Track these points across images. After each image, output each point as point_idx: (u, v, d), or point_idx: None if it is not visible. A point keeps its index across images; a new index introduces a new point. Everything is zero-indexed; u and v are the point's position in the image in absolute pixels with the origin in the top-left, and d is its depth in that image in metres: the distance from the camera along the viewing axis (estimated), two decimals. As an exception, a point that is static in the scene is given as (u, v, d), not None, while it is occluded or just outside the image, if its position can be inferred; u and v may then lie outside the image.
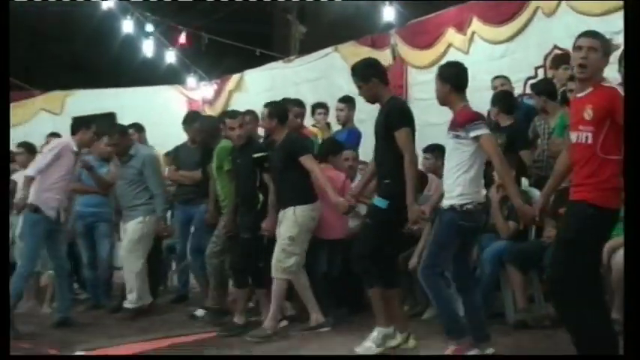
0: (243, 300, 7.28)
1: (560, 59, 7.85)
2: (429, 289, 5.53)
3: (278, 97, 9.64)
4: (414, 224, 5.97)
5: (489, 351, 5.42)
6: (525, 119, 7.62)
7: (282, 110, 7.12)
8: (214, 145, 7.69)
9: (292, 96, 9.21)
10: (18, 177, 9.15)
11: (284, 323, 7.01)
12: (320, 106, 9.24)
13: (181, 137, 8.93)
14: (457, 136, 5.38)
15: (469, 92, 9.32)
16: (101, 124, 8.60)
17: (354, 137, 8.69)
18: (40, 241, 7.55)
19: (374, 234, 5.92)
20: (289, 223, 6.72)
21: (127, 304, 8.14)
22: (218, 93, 13.30)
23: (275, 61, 12.71)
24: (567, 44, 8.07)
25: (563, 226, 4.87)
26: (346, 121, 8.78)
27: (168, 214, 9.10)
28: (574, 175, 4.74)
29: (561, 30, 8.26)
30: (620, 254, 5.68)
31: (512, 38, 8.77)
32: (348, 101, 8.84)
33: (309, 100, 9.12)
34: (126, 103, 12.31)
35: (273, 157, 6.98)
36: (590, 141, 4.50)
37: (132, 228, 8.11)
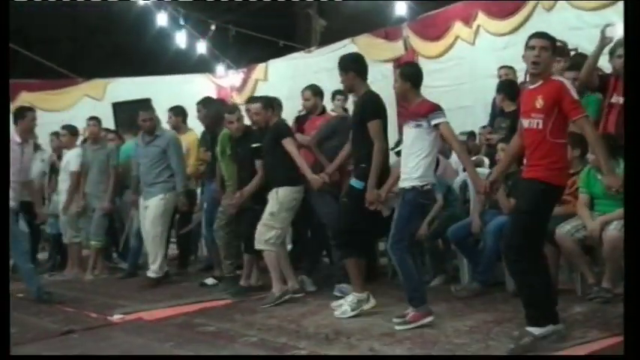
0: (250, 264, 7.46)
1: (557, 51, 7.76)
2: (396, 262, 5.74)
3: (299, 85, 9.65)
4: (370, 205, 6.03)
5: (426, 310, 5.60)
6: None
7: (273, 101, 7.40)
8: (218, 130, 7.83)
9: (312, 82, 9.23)
10: (65, 154, 9.33)
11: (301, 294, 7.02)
12: (339, 93, 9.21)
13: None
14: (419, 125, 5.61)
15: (475, 79, 9.33)
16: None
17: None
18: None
19: (351, 211, 6.20)
20: (272, 202, 6.95)
21: (150, 274, 8.29)
22: (245, 81, 13.30)
23: (297, 52, 12.69)
24: (565, 37, 8.03)
25: (518, 200, 5.17)
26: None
27: (199, 190, 9.15)
28: (527, 156, 5.03)
29: (559, 23, 8.21)
30: (611, 228, 5.65)
31: (514, 31, 8.72)
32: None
33: (327, 88, 9.08)
34: (161, 90, 12.30)
35: (263, 143, 7.18)
36: (541, 127, 4.79)
37: (154, 204, 8.21)
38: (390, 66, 10.37)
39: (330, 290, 6.92)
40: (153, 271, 8.25)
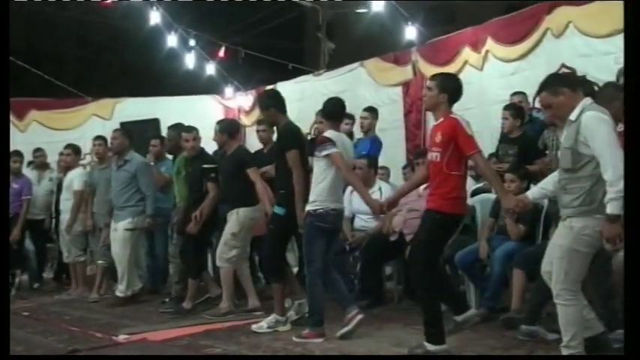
0: (193, 287, 7.75)
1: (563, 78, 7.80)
2: (307, 283, 6.22)
3: (308, 107, 9.70)
4: (301, 228, 6.34)
5: (355, 310, 6.13)
6: (540, 131, 7.55)
7: (232, 126, 7.74)
8: (180, 153, 8.20)
9: (320, 106, 9.27)
10: (69, 173, 9.36)
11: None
12: (346, 117, 9.23)
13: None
14: (316, 155, 6.20)
15: (483, 105, 9.34)
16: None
17: (377, 145, 8.73)
18: None
19: (278, 237, 6.63)
20: (233, 222, 7.35)
21: (118, 293, 8.49)
22: (254, 103, 13.33)
23: (305, 75, 12.71)
24: (574, 63, 8.08)
25: (418, 230, 5.52)
26: (369, 129, 8.80)
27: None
28: (429, 187, 5.52)
29: (569, 50, 8.22)
30: (620, 256, 5.62)
31: (523, 57, 8.72)
32: (371, 111, 8.94)
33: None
34: (169, 111, 12.32)
35: (223, 166, 7.53)
36: (438, 159, 5.25)
37: (123, 227, 8.41)
38: (398, 90, 10.40)
39: (335, 314, 6.91)
40: (120, 290, 8.48)
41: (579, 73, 7.88)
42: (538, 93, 4.91)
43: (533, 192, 5.20)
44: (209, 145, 8.41)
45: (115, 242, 8.51)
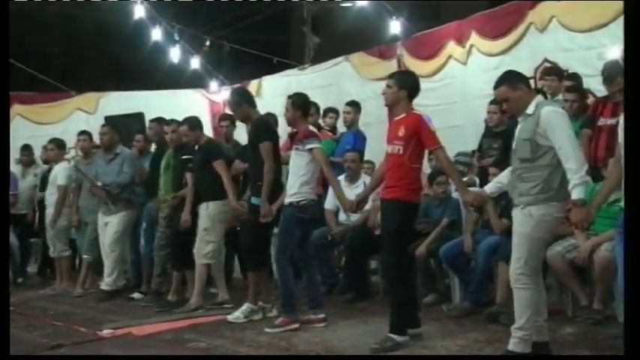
0: (177, 280, 7.82)
1: (549, 71, 7.82)
2: (278, 271, 6.47)
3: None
4: (263, 219, 6.55)
5: (322, 315, 6.38)
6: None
7: (199, 122, 7.76)
8: (165, 147, 8.29)
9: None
10: (54, 168, 9.32)
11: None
12: (331, 111, 9.26)
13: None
14: (297, 148, 6.40)
15: (466, 99, 9.35)
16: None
17: (361, 139, 8.74)
18: None
19: (255, 228, 6.71)
20: (204, 217, 7.45)
21: (103, 286, 8.52)
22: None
23: (290, 69, 12.67)
24: (557, 58, 8.10)
25: (384, 221, 5.79)
26: (352, 124, 8.79)
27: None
28: (388, 178, 5.68)
29: (551, 44, 8.24)
30: (602, 249, 5.66)
31: (507, 51, 8.72)
32: (354, 105, 8.95)
33: (321, 105, 9.13)
34: (154, 105, 12.26)
35: (194, 160, 7.62)
36: (401, 152, 5.51)
37: (115, 221, 8.46)
38: (383, 84, 10.33)
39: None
40: (107, 283, 8.52)
41: (562, 68, 7.91)
42: (496, 87, 5.03)
43: (490, 187, 5.38)
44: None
45: (105, 236, 8.52)
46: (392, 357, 5.33)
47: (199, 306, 7.40)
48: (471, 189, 5.88)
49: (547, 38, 8.31)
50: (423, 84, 9.67)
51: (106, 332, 6.63)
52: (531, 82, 8.34)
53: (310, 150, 6.33)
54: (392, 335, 5.48)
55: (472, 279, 6.61)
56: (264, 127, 6.92)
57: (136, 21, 12.61)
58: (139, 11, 12.28)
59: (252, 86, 12.76)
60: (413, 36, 10.18)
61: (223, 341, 6.07)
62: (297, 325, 6.27)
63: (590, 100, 7.24)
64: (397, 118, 5.69)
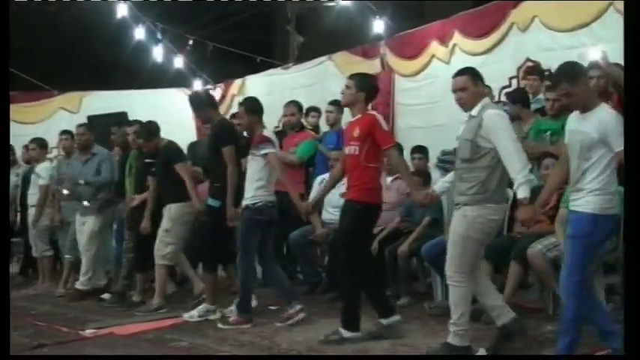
0: (142, 281, 7.88)
1: (531, 71, 7.87)
2: (240, 273, 6.58)
3: (276, 101, 9.68)
4: (231, 222, 6.67)
5: (298, 307, 6.47)
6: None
7: (153, 126, 7.78)
8: (129, 149, 8.31)
9: (289, 99, 9.29)
10: (35, 168, 9.27)
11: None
12: (313, 110, 9.27)
13: (187, 135, 8.98)
14: (253, 153, 6.53)
15: (449, 98, 9.29)
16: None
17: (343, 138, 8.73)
18: None
19: (211, 229, 6.83)
20: (166, 218, 7.49)
21: (78, 285, 8.52)
22: (223, 97, 13.27)
23: (274, 68, 12.67)
24: (539, 57, 8.15)
25: (340, 220, 5.90)
26: (334, 123, 8.78)
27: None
28: (347, 179, 5.83)
29: (534, 44, 8.28)
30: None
31: (490, 51, 8.75)
32: (337, 104, 8.87)
33: (304, 104, 9.14)
34: (137, 104, 12.24)
35: (156, 163, 7.66)
36: (357, 152, 5.61)
37: (92, 221, 8.45)
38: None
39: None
40: (81, 283, 8.50)
41: (544, 67, 7.97)
42: (458, 75, 5.17)
43: (439, 186, 5.59)
44: (178, 140, 8.38)
45: (82, 235, 8.51)
46: (393, 357, 5.33)
47: (160, 306, 7.45)
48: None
49: (529, 38, 8.35)
50: (407, 83, 9.87)
51: (89, 332, 6.62)
52: (514, 81, 8.46)
53: (265, 155, 6.49)
54: (341, 330, 5.66)
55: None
56: (225, 130, 6.99)
57: (119, 20, 12.57)
58: (122, 10, 12.24)
59: (236, 85, 12.79)
60: (396, 35, 10.20)
61: (205, 340, 6.08)
62: (249, 325, 6.44)
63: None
64: (353, 119, 5.85)
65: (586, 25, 7.58)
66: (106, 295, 8.24)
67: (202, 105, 7.22)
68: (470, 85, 5.05)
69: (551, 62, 7.96)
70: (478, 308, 6.11)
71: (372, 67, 10.23)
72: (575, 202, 4.57)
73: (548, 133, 6.72)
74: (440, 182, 5.66)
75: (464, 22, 9.17)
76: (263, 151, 6.49)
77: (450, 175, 5.44)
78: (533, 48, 8.22)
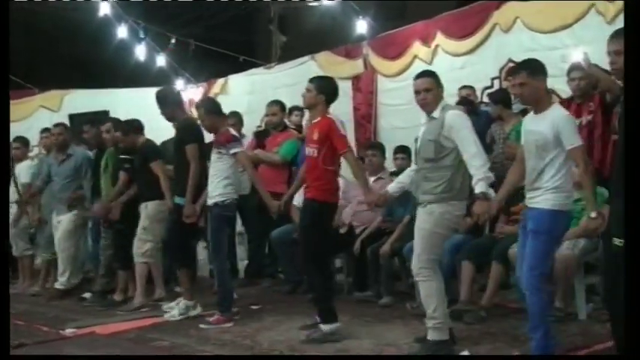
0: (123, 279, 7.88)
1: (513, 71, 7.88)
2: (216, 271, 6.76)
3: (259, 100, 9.67)
4: (187, 219, 6.77)
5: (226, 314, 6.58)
6: (485, 124, 7.61)
7: (136, 124, 7.85)
8: (104, 148, 8.29)
9: (271, 98, 9.27)
10: (17, 166, 9.19)
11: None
12: (296, 109, 9.26)
13: (170, 133, 8.90)
14: (219, 152, 6.63)
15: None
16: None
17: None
18: None
19: (178, 227, 6.87)
20: (143, 216, 7.55)
21: (58, 285, 8.51)
22: (205, 96, 13.22)
23: (257, 67, 12.64)
24: (521, 58, 8.10)
25: (300, 218, 6.20)
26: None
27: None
28: (306, 179, 6.04)
29: (516, 45, 8.29)
30: (563, 247, 5.73)
31: (472, 51, 8.77)
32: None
33: (287, 103, 9.14)
34: (119, 103, 12.18)
35: (134, 161, 7.70)
36: (316, 155, 5.80)
37: (67, 219, 8.46)
38: (349, 83, 10.39)
39: (285, 306, 6.94)
40: (60, 283, 8.50)
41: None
42: (421, 76, 5.42)
43: (392, 187, 5.77)
44: (160, 138, 8.34)
45: (58, 234, 8.52)
46: (393, 356, 5.33)
47: (142, 305, 7.48)
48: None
49: (511, 39, 8.37)
50: (389, 83, 9.87)
51: (69, 331, 6.58)
52: (496, 82, 8.49)
53: (234, 154, 6.63)
54: (320, 326, 5.78)
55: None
56: (189, 128, 7.05)
57: (101, 18, 12.49)
58: (105, 8, 12.16)
59: (218, 85, 12.74)
60: (379, 35, 10.20)
61: (187, 340, 6.06)
62: (230, 324, 6.47)
63: (554, 100, 7.33)
64: (313, 121, 6.00)
65: (568, 26, 7.61)
66: (86, 295, 8.19)
67: (167, 102, 7.26)
68: (434, 87, 5.26)
69: (533, 63, 8.02)
70: (459, 309, 6.15)
71: (355, 67, 10.25)
72: (533, 199, 4.74)
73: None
74: (394, 183, 5.83)
75: (446, 23, 9.18)
76: (232, 150, 6.63)
77: (403, 175, 5.73)
78: (516, 49, 8.24)
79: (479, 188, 4.92)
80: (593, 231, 4.69)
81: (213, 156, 6.72)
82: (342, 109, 10.21)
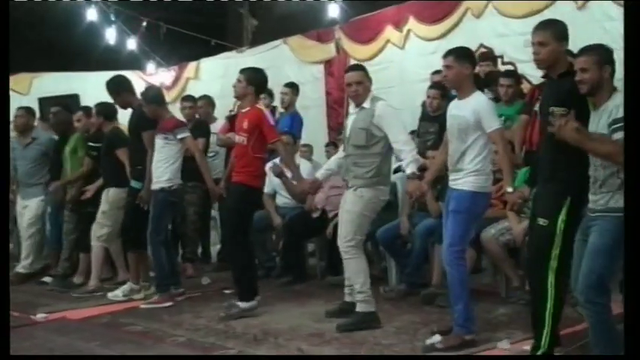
0: (84, 262, 7.89)
1: (484, 56, 7.90)
2: (152, 252, 6.92)
3: (231, 84, 9.55)
4: (142, 202, 6.89)
5: (181, 290, 7.04)
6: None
7: (108, 109, 7.72)
8: (69, 133, 8.21)
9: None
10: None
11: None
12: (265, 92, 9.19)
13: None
14: (166, 138, 6.78)
15: (404, 83, 9.35)
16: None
17: (298, 122, 8.73)
18: None
19: (132, 209, 7.00)
20: (104, 201, 7.55)
21: (19, 269, 8.49)
22: (176, 79, 13.14)
23: (228, 51, 12.56)
24: (492, 43, 8.19)
25: (227, 200, 6.65)
26: (289, 105, 8.81)
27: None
28: (235, 165, 6.40)
29: (487, 30, 8.32)
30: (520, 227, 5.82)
31: (444, 36, 8.76)
32: (291, 87, 8.98)
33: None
34: (89, 86, 11.99)
35: (101, 148, 7.68)
36: (245, 143, 6.13)
37: (35, 204, 8.49)
38: (321, 67, 10.38)
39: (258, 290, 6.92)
40: (23, 266, 8.51)
41: (497, 53, 8.03)
42: (352, 70, 5.87)
43: (321, 172, 6.17)
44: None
45: (22, 218, 8.54)
46: (393, 356, 5.34)
47: (97, 288, 7.53)
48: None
49: (483, 24, 8.39)
50: (362, 68, 9.83)
51: (40, 316, 6.53)
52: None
53: (182, 139, 6.80)
54: (238, 303, 6.09)
55: (408, 261, 6.68)
56: (145, 115, 7.02)
57: (72, 0, 12.34)
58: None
59: (191, 68, 12.67)
60: (351, 20, 10.18)
61: (160, 324, 6.04)
62: (170, 303, 6.72)
63: (525, 86, 7.37)
64: (243, 110, 6.29)
65: (539, 11, 7.62)
66: (47, 279, 8.19)
67: (119, 90, 7.28)
68: (365, 80, 5.65)
69: (504, 48, 8.06)
70: (430, 292, 6.19)
71: (327, 51, 10.24)
72: (455, 181, 4.97)
73: (502, 118, 6.75)
74: (322, 169, 6.20)
75: (419, 8, 9.18)
76: (180, 136, 6.81)
77: (331, 161, 6.12)
78: (487, 34, 8.27)
79: (410, 169, 5.37)
80: (511, 205, 4.85)
81: (159, 142, 6.82)
82: (315, 94, 10.28)
